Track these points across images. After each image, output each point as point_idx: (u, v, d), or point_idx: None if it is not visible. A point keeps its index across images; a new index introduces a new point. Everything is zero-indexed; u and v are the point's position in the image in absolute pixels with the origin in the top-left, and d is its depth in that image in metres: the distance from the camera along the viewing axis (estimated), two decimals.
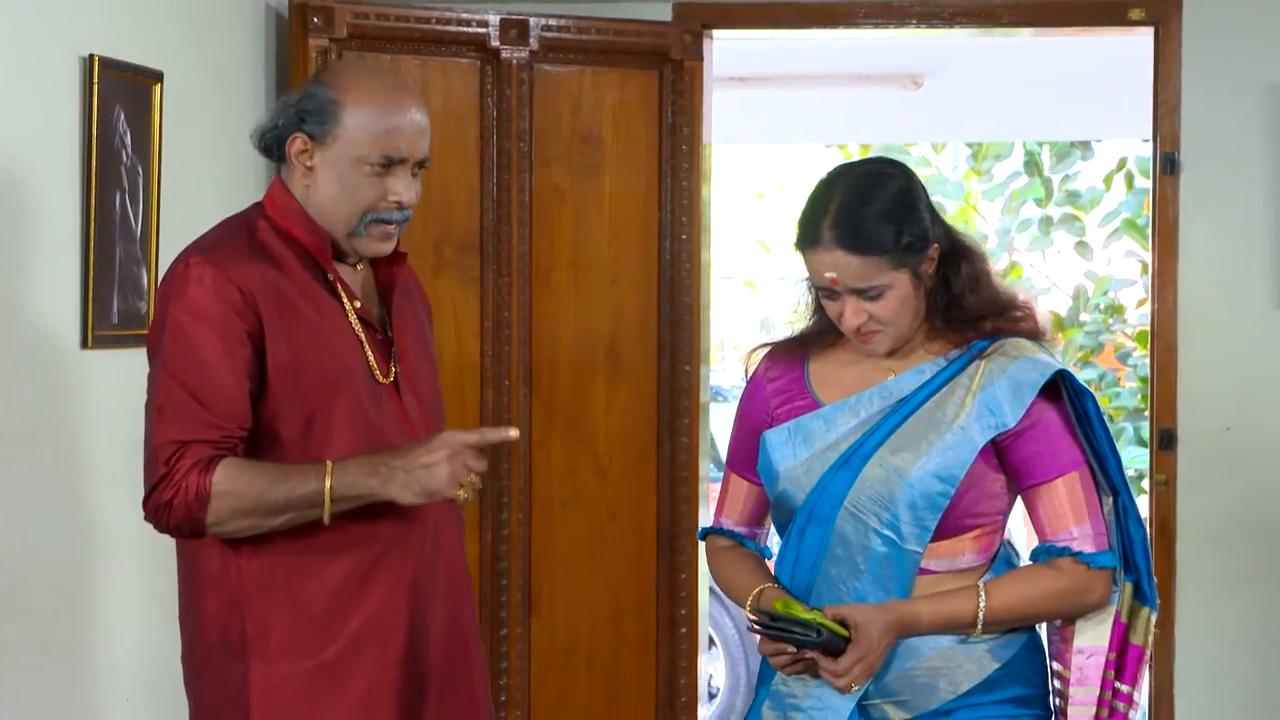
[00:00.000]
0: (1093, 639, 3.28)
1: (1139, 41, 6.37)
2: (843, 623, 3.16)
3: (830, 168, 3.32)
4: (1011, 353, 3.25)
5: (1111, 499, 3.27)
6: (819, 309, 3.37)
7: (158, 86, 4.60)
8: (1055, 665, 3.36)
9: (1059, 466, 3.22)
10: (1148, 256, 12.13)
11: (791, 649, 3.21)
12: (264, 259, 3.25)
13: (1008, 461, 3.25)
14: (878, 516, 3.23)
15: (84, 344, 4.30)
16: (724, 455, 3.59)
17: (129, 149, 4.48)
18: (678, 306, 5.81)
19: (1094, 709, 3.28)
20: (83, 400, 4.33)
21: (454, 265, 5.54)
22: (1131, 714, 3.31)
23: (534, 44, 5.57)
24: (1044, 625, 3.38)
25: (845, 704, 3.26)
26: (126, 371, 4.50)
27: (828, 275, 3.24)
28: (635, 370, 5.81)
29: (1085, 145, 12.67)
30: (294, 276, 3.27)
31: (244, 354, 3.19)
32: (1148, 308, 11.22)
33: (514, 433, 3.24)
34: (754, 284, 15.92)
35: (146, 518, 3.21)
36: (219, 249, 3.25)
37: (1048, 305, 12.37)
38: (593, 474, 5.73)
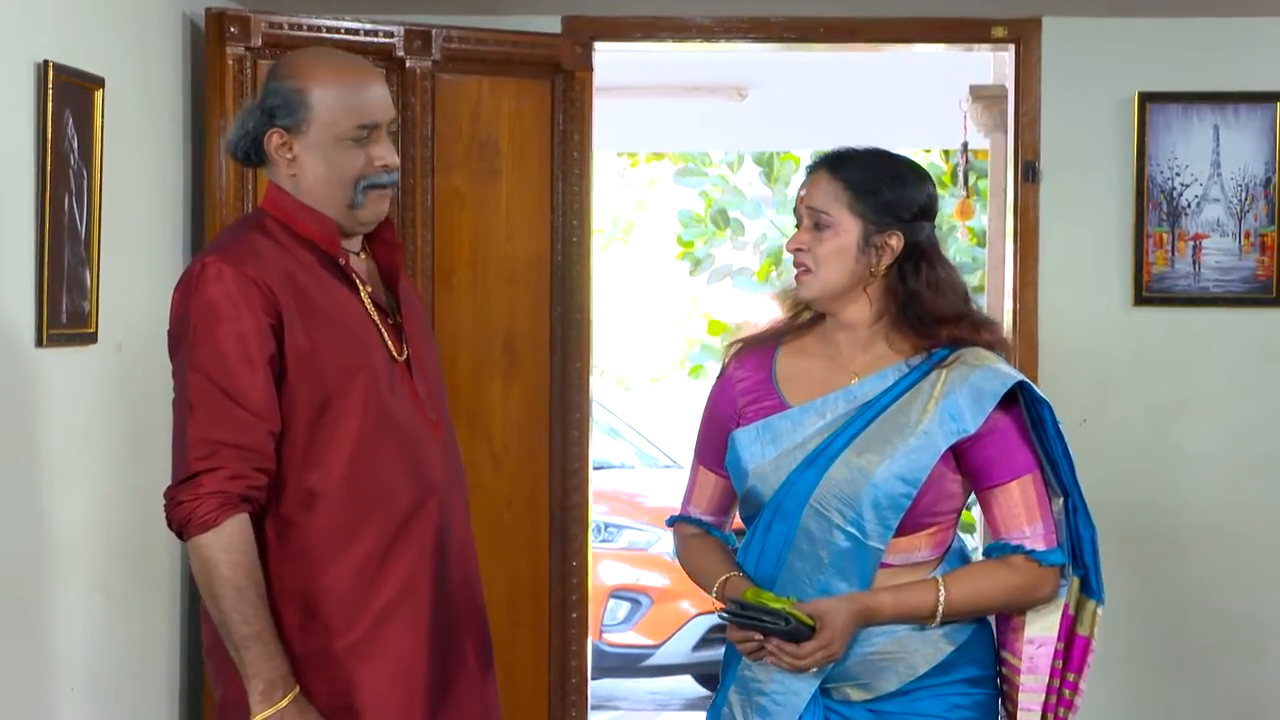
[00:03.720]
0: (1042, 629, 3.46)
1: (942, 58, 6.72)
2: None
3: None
4: (972, 362, 3.42)
5: (1062, 499, 3.46)
6: (798, 301, 3.57)
7: (99, 92, 4.70)
8: (1004, 654, 3.52)
9: (1013, 470, 3.41)
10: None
11: (758, 636, 3.37)
12: (277, 253, 3.36)
13: (966, 464, 3.43)
14: (842, 514, 3.39)
15: (38, 342, 4.39)
16: None
17: (75, 153, 4.58)
18: (569, 306, 6.02)
19: (1043, 695, 3.45)
20: (36, 397, 4.44)
21: None
22: (1077, 701, 3.50)
23: (436, 54, 5.73)
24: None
25: (808, 687, 3.42)
26: (75, 368, 4.63)
27: (800, 193, 3.49)
28: (529, 366, 5.99)
29: None
30: (308, 267, 3.37)
31: (267, 349, 3.29)
32: None
33: None
34: None
35: (163, 506, 3.34)
36: (233, 248, 3.35)
37: None
38: (490, 465, 5.92)
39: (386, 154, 3.43)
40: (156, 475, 5.20)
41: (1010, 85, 6.18)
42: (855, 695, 3.45)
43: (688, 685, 10.93)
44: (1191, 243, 6.06)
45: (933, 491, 3.41)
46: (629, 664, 9.99)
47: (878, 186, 3.45)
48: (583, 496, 6.07)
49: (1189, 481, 6.14)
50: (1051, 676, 3.47)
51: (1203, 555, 6.16)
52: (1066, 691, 3.49)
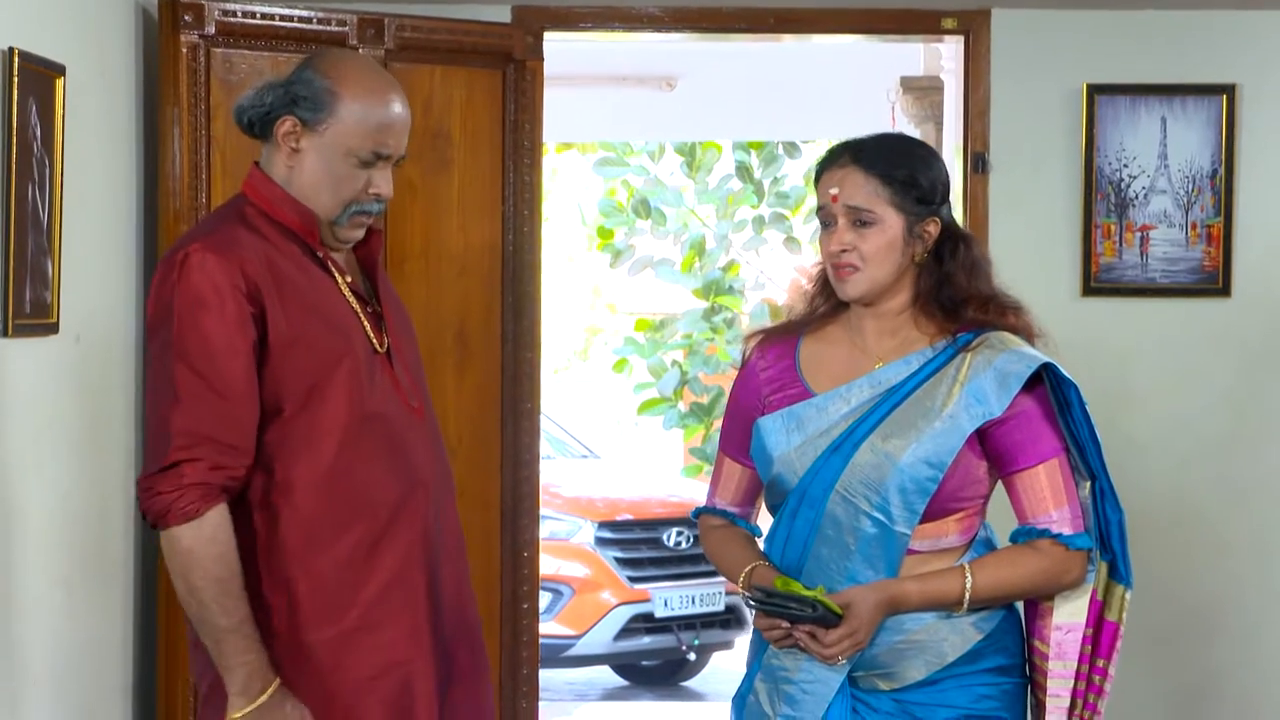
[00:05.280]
0: (1070, 615, 3.46)
1: (869, 49, 6.72)
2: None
3: None
4: (997, 345, 3.44)
5: (1089, 483, 3.46)
6: (818, 292, 3.58)
7: (61, 80, 4.64)
8: (1034, 641, 3.51)
9: (1039, 454, 3.41)
10: None
11: (785, 624, 3.38)
12: (259, 242, 3.34)
13: (991, 448, 3.43)
14: (868, 500, 3.39)
15: (4, 333, 4.34)
16: None
17: (39, 141, 4.53)
18: (519, 295, 5.98)
19: (1072, 681, 3.44)
20: (3, 388, 4.38)
21: None
22: (1107, 687, 3.49)
23: (390, 43, 5.66)
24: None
25: (835, 676, 3.41)
26: (39, 358, 4.59)
27: (830, 191, 3.44)
28: (481, 356, 5.94)
29: (793, 147, 13.14)
30: (290, 256, 3.37)
31: (250, 339, 3.27)
32: None
33: None
34: None
35: (138, 494, 3.29)
36: (215, 235, 3.33)
37: (764, 297, 12.88)
38: None
39: (383, 185, 3.43)
40: (112, 467, 5.19)
41: (959, 77, 6.21)
42: (882, 684, 3.45)
43: (606, 675, 10.96)
44: (1139, 234, 6.10)
45: (958, 476, 3.41)
46: (550, 654, 10.00)
47: (914, 176, 3.45)
48: (533, 487, 6.04)
49: (1138, 470, 6.15)
50: (1081, 662, 3.47)
51: (1152, 543, 6.16)
52: (1096, 678, 3.49)
